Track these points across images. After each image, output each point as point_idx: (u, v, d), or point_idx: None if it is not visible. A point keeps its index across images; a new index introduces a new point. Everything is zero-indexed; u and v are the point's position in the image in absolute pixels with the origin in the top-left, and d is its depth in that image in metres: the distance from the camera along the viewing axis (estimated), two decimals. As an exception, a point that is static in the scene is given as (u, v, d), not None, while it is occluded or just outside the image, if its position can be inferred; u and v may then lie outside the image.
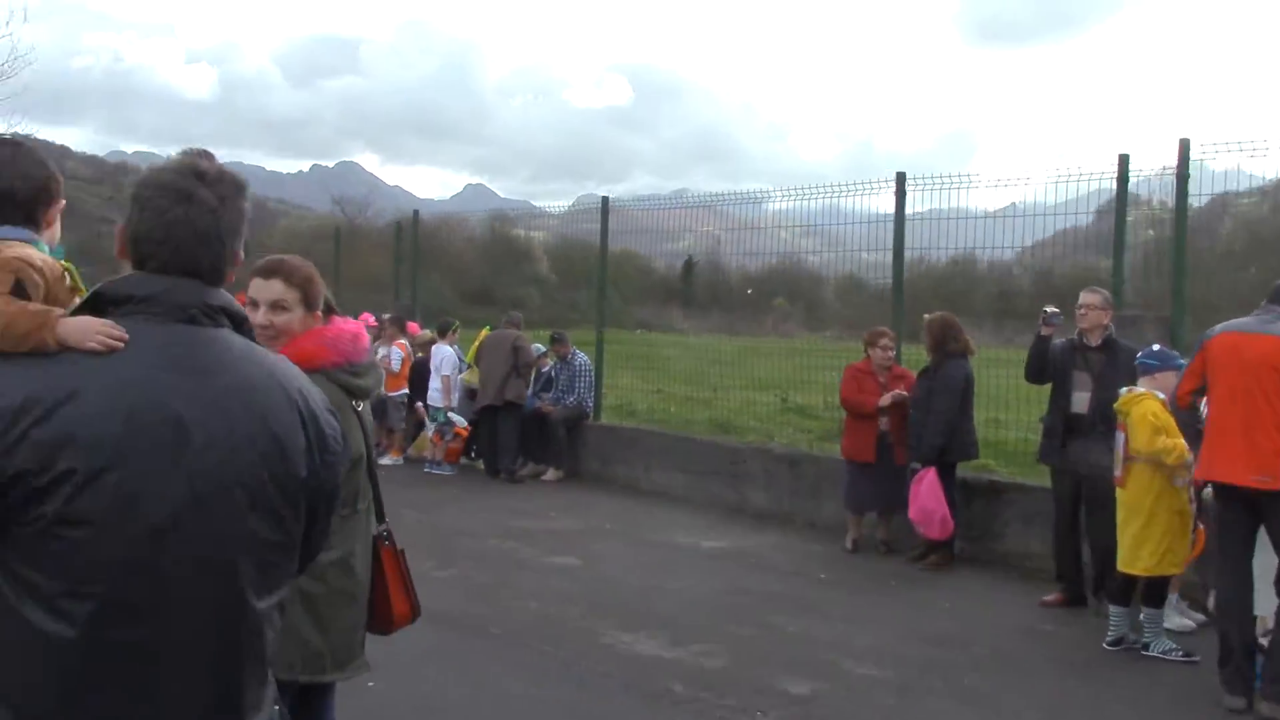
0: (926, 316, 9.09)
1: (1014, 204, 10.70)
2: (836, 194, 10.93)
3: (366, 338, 3.67)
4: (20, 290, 2.11)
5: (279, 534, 2.02)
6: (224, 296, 2.08)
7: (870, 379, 9.24)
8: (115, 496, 1.83)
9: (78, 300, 2.17)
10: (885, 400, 9.03)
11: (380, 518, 3.58)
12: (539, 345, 12.57)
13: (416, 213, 16.08)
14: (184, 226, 2.02)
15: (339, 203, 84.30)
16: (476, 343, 12.57)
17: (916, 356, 9.66)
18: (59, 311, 2.00)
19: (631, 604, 7.38)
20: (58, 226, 2.44)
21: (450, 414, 12.23)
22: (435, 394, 12.34)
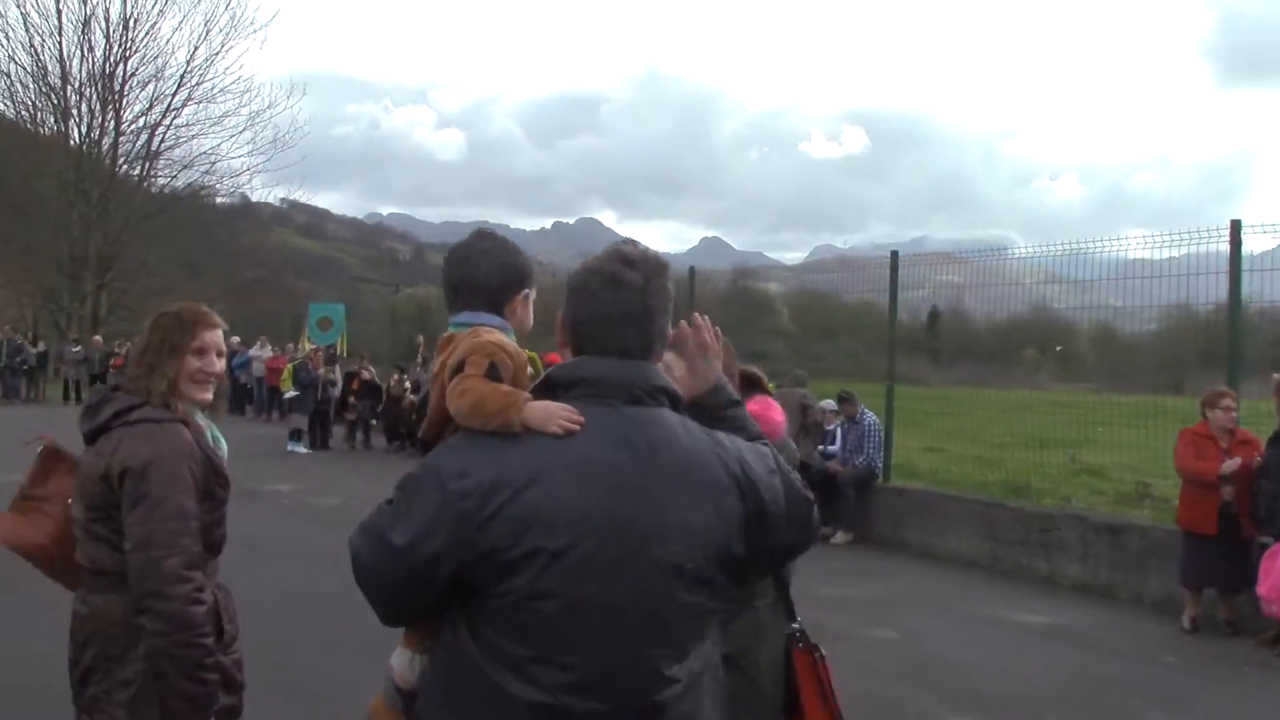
0: (1277, 376, 8.32)
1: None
2: (1157, 246, 10.16)
3: (778, 419, 3.47)
4: (493, 373, 2.21)
5: (716, 603, 2.09)
6: (662, 376, 2.19)
7: (1210, 444, 8.47)
8: (579, 572, 1.93)
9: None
10: (1228, 468, 8.26)
11: (791, 616, 3.35)
12: (829, 401, 12.24)
13: (692, 269, 16.04)
14: (614, 307, 2.14)
15: (584, 258, 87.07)
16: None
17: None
18: (526, 395, 2.12)
19: (966, 685, 6.92)
20: (528, 315, 2.50)
21: None
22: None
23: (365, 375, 20.71)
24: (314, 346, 20.96)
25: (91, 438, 2.96)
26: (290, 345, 26.52)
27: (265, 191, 42.46)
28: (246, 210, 45.60)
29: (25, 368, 28.73)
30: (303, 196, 42.93)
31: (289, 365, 20.20)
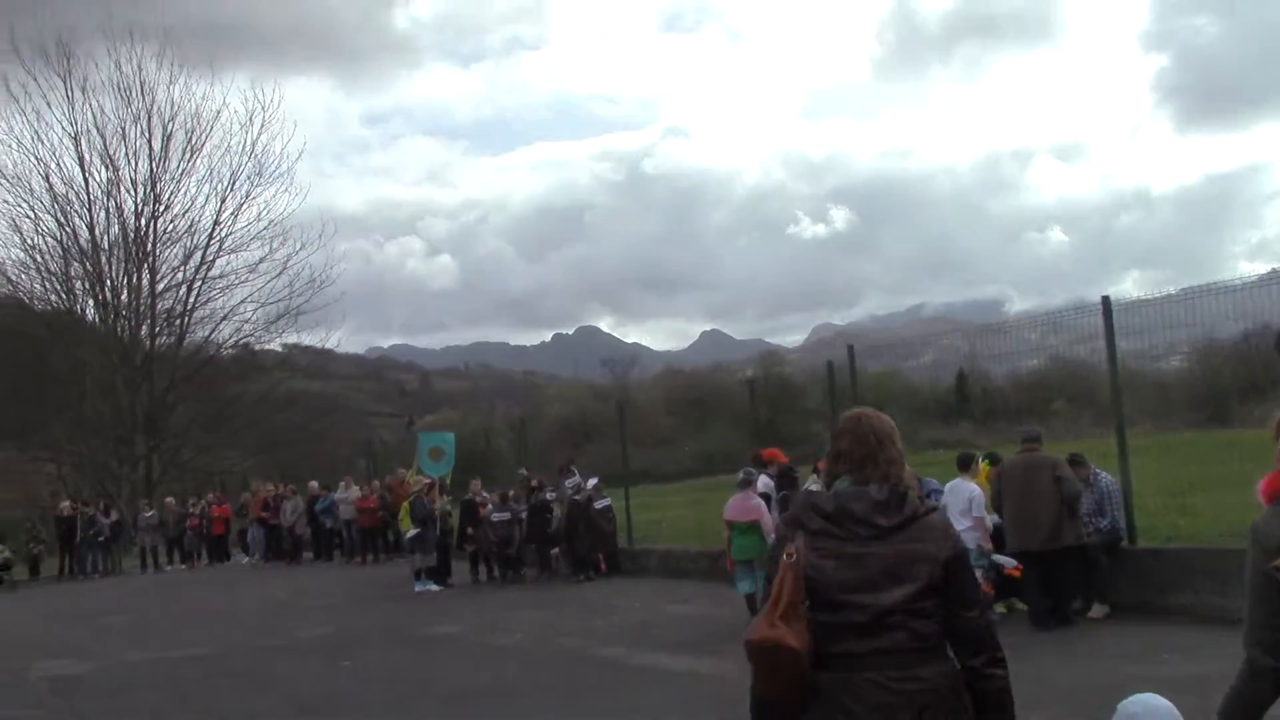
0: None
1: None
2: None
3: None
4: None
5: None
6: None
7: None
8: None
9: None
10: None
11: None
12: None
13: (852, 346, 15.26)
14: None
15: (607, 364, 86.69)
16: (983, 476, 11.41)
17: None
18: None
19: None
20: None
21: (997, 556, 10.93)
22: (968, 535, 11.15)
23: (481, 503, 19.75)
24: (427, 479, 20.00)
25: (898, 529, 3.14)
26: (375, 483, 25.64)
27: (264, 338, 41.52)
28: (251, 359, 44.70)
29: (101, 539, 27.79)
30: (301, 339, 41.89)
31: (405, 502, 19.21)
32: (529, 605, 15.79)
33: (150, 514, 28.88)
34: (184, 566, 28.33)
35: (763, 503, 12.19)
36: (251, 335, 41.99)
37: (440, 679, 10.75)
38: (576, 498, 18.47)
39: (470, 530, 19.52)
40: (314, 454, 43.60)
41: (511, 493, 19.76)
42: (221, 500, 29.62)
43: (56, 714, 10.61)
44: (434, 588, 18.09)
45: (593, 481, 18.95)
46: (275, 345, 44.05)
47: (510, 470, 24.97)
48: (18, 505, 36.74)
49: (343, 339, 46.80)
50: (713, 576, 16.29)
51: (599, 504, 18.39)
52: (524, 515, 19.28)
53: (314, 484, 27.52)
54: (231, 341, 42.05)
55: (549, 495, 19.21)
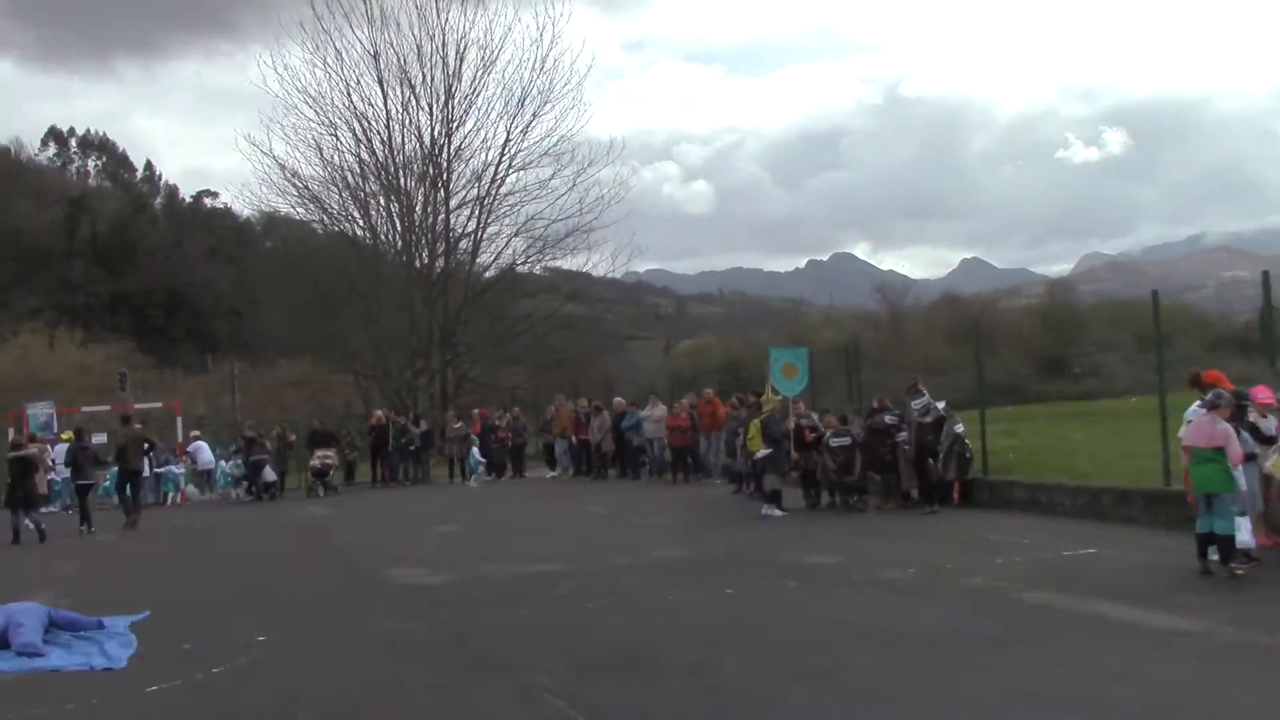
0: None
1: None
2: None
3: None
4: None
5: None
6: None
7: None
8: None
9: None
10: None
11: None
12: None
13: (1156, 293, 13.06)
14: None
15: (880, 290, 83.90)
16: None
17: None
18: None
19: None
20: None
21: None
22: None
23: (809, 426, 18.46)
24: (779, 397, 18.82)
25: None
26: (685, 401, 24.74)
27: (555, 255, 41.06)
28: (517, 282, 44.45)
29: (411, 449, 28.21)
30: (562, 263, 41.10)
31: (756, 421, 17.99)
32: (891, 536, 14.44)
33: (459, 425, 29.09)
34: (489, 478, 28.44)
35: (1230, 428, 10.36)
36: (540, 254, 41.84)
37: (852, 617, 9.53)
38: (926, 419, 16.94)
39: (795, 455, 18.28)
40: (585, 374, 43.57)
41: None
42: (478, 418, 29.69)
43: (439, 629, 10.00)
44: (777, 512, 16.94)
45: (942, 404, 17.37)
46: (538, 270, 43.91)
47: (828, 393, 23.65)
48: (317, 415, 38.05)
49: (630, 259, 45.54)
50: (1090, 514, 14.61)
51: (956, 428, 16.78)
52: (863, 439, 17.91)
53: (620, 400, 26.98)
54: (524, 259, 42.09)
55: (888, 419, 17.72)
